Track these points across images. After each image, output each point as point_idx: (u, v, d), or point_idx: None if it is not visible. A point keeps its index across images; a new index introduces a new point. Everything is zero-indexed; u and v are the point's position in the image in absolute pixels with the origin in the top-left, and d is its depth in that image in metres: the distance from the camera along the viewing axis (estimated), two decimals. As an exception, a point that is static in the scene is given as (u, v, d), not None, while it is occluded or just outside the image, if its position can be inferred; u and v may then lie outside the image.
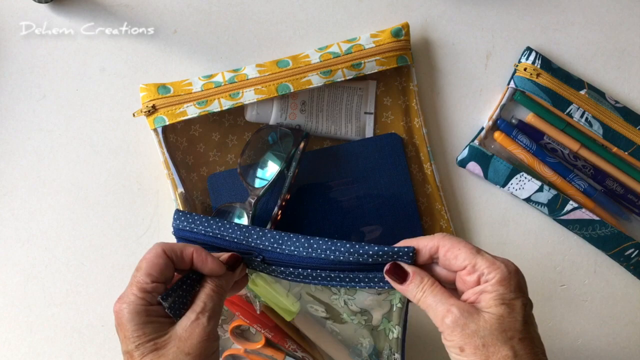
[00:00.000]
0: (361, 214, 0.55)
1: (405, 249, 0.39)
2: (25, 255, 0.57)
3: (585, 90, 0.55)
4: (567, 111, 0.55)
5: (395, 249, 0.39)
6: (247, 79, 0.52)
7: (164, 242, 0.40)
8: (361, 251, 0.40)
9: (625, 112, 0.56)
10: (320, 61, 0.52)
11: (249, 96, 0.51)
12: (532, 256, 0.59)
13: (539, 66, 0.55)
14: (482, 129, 0.57)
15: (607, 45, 0.58)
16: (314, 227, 0.55)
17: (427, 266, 0.40)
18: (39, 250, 0.57)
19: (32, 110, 0.57)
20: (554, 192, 0.56)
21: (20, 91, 0.57)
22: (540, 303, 0.59)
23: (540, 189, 0.56)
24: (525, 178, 0.56)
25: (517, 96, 0.57)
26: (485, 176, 0.57)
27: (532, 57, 0.56)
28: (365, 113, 0.57)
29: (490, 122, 0.57)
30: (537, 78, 0.55)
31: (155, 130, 0.53)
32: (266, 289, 0.47)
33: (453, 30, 0.58)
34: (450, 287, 0.39)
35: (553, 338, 0.59)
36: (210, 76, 0.53)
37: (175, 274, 0.41)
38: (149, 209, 0.57)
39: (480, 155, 0.56)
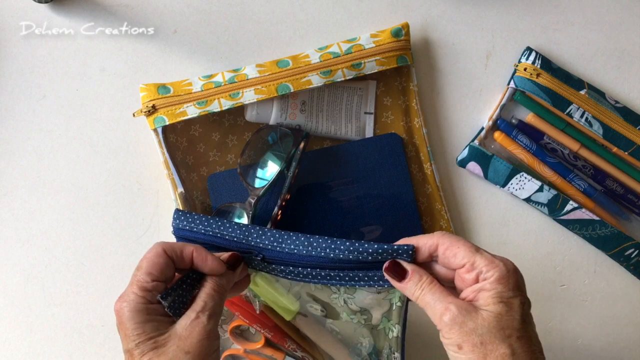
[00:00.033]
0: (361, 214, 0.55)
1: (405, 247, 0.39)
2: (25, 255, 0.57)
3: (585, 90, 0.55)
4: (567, 111, 0.55)
5: (395, 247, 0.39)
6: (247, 79, 0.52)
7: (164, 241, 0.40)
8: (361, 249, 0.40)
9: (625, 112, 0.56)
10: (320, 61, 0.52)
11: (249, 96, 0.51)
12: (532, 256, 0.59)
13: (539, 66, 0.55)
14: (482, 129, 0.57)
15: (607, 45, 0.58)
16: (314, 227, 0.55)
17: (427, 264, 0.41)
18: (39, 250, 0.57)
19: (32, 110, 0.57)
20: (554, 192, 0.56)
21: (20, 91, 0.57)
22: (540, 303, 0.59)
23: (540, 189, 0.56)
24: (525, 178, 0.56)
25: (517, 96, 0.57)
26: (485, 176, 0.57)
27: (532, 57, 0.56)
28: (365, 113, 0.57)
29: (490, 122, 0.57)
30: (537, 78, 0.55)
31: (155, 130, 0.53)
32: (266, 289, 0.47)
33: (453, 30, 0.58)
34: (449, 286, 0.39)
35: (553, 338, 0.59)
36: (210, 76, 0.53)
37: (176, 274, 0.41)
38: (149, 209, 0.57)
39: (480, 155, 0.56)
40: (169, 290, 0.38)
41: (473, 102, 0.58)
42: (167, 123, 0.51)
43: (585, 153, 0.57)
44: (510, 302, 0.36)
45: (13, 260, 0.57)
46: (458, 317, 0.36)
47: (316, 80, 0.52)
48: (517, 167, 0.56)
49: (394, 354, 0.46)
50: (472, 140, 0.57)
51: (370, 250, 0.39)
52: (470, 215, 0.58)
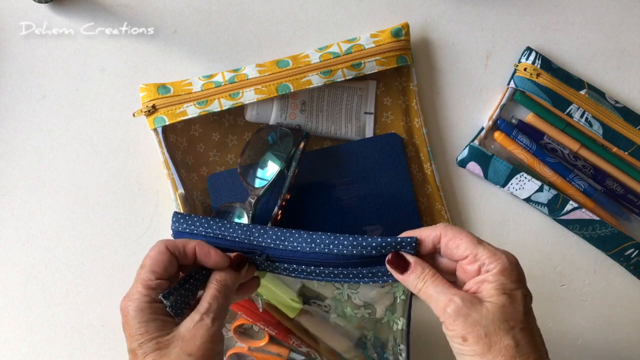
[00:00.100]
0: (361, 214, 0.55)
1: (408, 239, 0.39)
2: (25, 255, 0.57)
3: (585, 90, 0.55)
4: (567, 111, 0.55)
5: (399, 239, 0.39)
6: (247, 79, 0.52)
7: (166, 239, 0.40)
8: (364, 243, 0.39)
9: (625, 112, 0.56)
10: (320, 61, 0.52)
11: (249, 96, 0.51)
12: (532, 256, 0.59)
13: (539, 66, 0.55)
14: (482, 129, 0.57)
15: (607, 45, 0.58)
16: (314, 227, 0.55)
17: (429, 255, 0.41)
18: (39, 250, 0.57)
19: (32, 110, 0.57)
20: (554, 192, 0.56)
21: (20, 91, 0.57)
22: (540, 303, 0.58)
23: (540, 189, 0.56)
24: (525, 178, 0.56)
25: (517, 96, 0.57)
26: (485, 176, 0.57)
27: (532, 57, 0.56)
28: (365, 113, 0.57)
29: (490, 122, 0.57)
30: (537, 78, 0.55)
31: (155, 130, 0.53)
32: (268, 287, 0.47)
33: (453, 30, 0.58)
34: (450, 279, 0.39)
35: (553, 338, 0.59)
36: (210, 76, 0.53)
37: (181, 273, 0.41)
38: (149, 209, 0.57)
39: (480, 155, 0.56)
40: (171, 290, 0.38)
41: (473, 102, 0.58)
42: (167, 123, 0.51)
43: (585, 153, 0.57)
44: (513, 294, 0.36)
45: (13, 260, 0.57)
46: (462, 309, 0.36)
47: (316, 80, 0.52)
48: (517, 167, 0.56)
49: (399, 345, 0.46)
50: (472, 140, 0.57)
51: (374, 244, 0.39)
52: (470, 215, 0.58)
